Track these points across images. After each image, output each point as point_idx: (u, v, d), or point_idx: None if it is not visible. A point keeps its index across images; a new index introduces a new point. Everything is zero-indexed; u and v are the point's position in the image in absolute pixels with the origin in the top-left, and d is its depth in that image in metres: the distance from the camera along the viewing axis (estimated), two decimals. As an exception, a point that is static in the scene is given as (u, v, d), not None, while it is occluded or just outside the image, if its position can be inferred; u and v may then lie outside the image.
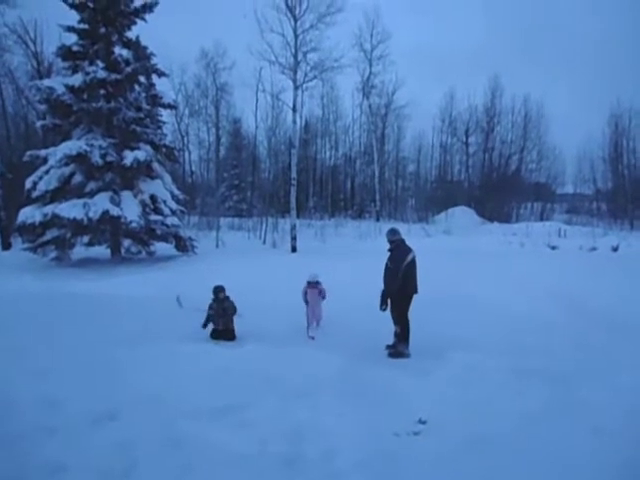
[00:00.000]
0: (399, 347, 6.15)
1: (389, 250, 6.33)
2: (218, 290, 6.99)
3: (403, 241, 6.37)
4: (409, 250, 6.25)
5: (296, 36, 19.61)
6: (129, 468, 3.18)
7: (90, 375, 4.73)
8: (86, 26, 15.32)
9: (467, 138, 40.78)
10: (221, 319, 6.86)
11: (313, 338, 6.78)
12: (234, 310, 6.96)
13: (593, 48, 71.00)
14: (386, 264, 6.23)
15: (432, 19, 71.89)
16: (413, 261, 6.21)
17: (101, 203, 13.93)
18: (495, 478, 3.08)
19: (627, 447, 3.40)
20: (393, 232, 6.42)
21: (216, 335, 6.80)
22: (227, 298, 7.00)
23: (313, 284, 7.28)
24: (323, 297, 7.41)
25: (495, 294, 9.25)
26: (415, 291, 6.23)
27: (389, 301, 6.22)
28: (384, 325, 6.32)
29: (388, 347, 6.28)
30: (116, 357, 5.28)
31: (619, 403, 4.09)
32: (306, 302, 7.32)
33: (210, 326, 6.92)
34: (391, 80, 36.18)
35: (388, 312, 6.25)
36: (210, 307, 6.95)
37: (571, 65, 68.94)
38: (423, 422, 3.97)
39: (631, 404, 4.09)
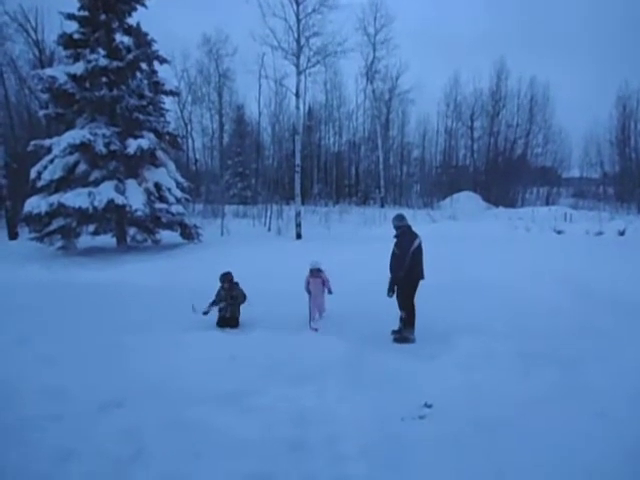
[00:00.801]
0: (405, 332, 6.15)
1: (395, 236, 6.29)
2: (225, 277, 6.98)
3: (409, 227, 6.32)
4: (415, 236, 6.21)
5: (298, 20, 19.41)
6: (137, 453, 3.21)
7: (96, 363, 4.77)
8: (86, 13, 15.23)
9: (472, 122, 40.38)
10: (229, 307, 6.87)
11: (316, 330, 6.55)
12: (244, 298, 6.96)
13: (601, 29, 69.90)
14: (393, 250, 6.19)
15: (436, 0, 70.50)
16: (419, 247, 6.18)
17: (106, 192, 13.96)
18: (500, 461, 3.09)
19: (631, 431, 3.39)
20: (400, 218, 6.37)
21: (222, 323, 6.82)
22: (236, 285, 6.99)
23: (315, 272, 7.04)
24: (329, 291, 7.13)
25: (501, 279, 9.22)
26: (421, 277, 6.21)
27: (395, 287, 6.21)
28: (389, 310, 6.31)
29: (394, 332, 6.28)
30: (122, 345, 5.32)
31: (624, 387, 4.08)
32: (308, 292, 7.07)
33: (215, 313, 6.93)
34: (395, 64, 35.92)
35: (394, 297, 6.25)
36: (218, 294, 6.96)
37: (578, 46, 68.03)
38: (429, 406, 3.98)
39: (636, 388, 4.08)
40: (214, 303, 6.94)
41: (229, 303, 6.86)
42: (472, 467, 3.06)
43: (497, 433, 3.43)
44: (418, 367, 4.82)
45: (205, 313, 6.91)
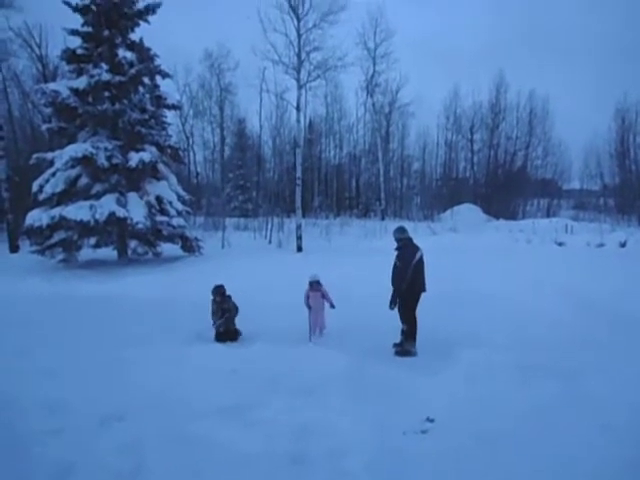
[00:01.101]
0: (406, 345, 6.13)
1: (397, 249, 6.29)
2: (217, 291, 6.95)
3: (411, 240, 6.32)
4: (417, 248, 6.21)
5: (299, 35, 19.65)
6: (138, 468, 3.19)
7: (96, 376, 4.76)
8: (90, 29, 15.45)
9: (472, 135, 40.66)
10: (224, 321, 6.85)
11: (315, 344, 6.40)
12: (236, 311, 6.94)
13: (599, 42, 70.63)
14: (394, 263, 6.18)
15: (436, 12, 71.21)
16: (421, 259, 6.18)
17: (107, 205, 14.00)
18: (501, 475, 3.07)
19: (632, 442, 3.38)
20: (401, 230, 6.38)
21: (219, 337, 6.78)
22: (228, 298, 6.98)
23: (315, 285, 6.94)
24: (331, 305, 6.96)
25: (502, 291, 9.21)
26: (423, 289, 6.20)
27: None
28: (391, 324, 6.30)
29: (395, 345, 6.26)
30: (123, 358, 5.31)
31: (625, 398, 4.07)
32: (308, 307, 6.95)
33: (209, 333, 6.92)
34: (395, 78, 36.23)
35: (395, 310, 6.23)
36: (212, 308, 6.96)
37: (577, 59, 68.66)
38: (431, 420, 3.96)
39: (636, 399, 4.07)
40: (214, 316, 6.94)
41: (225, 317, 6.84)
42: (475, 481, 3.04)
43: (498, 446, 3.41)
44: (420, 380, 4.80)
45: (217, 326, 6.87)
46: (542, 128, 39.57)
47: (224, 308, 6.85)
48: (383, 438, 3.62)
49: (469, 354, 5.36)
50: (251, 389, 4.49)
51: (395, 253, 6.27)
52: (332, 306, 7.00)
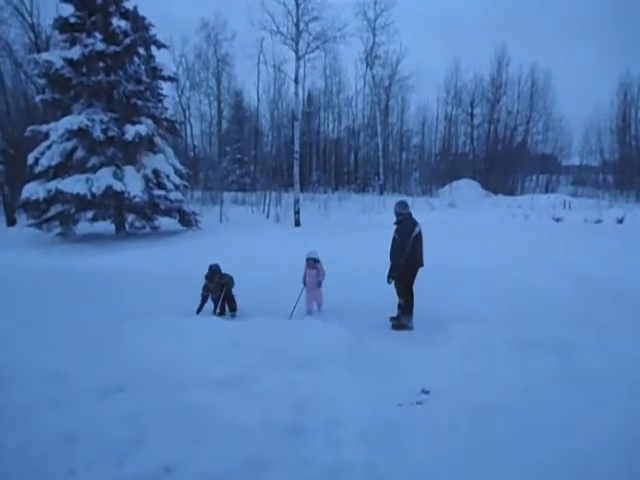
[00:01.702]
0: (403, 319, 6.18)
1: (396, 223, 6.28)
2: (214, 272, 6.89)
3: (410, 215, 6.31)
4: (416, 223, 6.20)
5: (297, 4, 19.19)
6: (138, 438, 3.23)
7: (96, 348, 4.77)
8: (82, -4, 15.01)
9: (472, 109, 40.15)
10: (222, 295, 6.88)
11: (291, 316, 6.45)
12: (233, 283, 6.98)
13: (602, 15, 69.09)
14: (393, 237, 6.19)
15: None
16: (420, 234, 6.18)
17: (104, 178, 13.91)
18: (496, 448, 3.12)
19: (629, 419, 3.42)
20: (403, 205, 6.34)
21: (221, 312, 6.86)
22: (222, 275, 6.97)
23: (311, 262, 6.91)
24: (319, 283, 6.95)
25: (499, 267, 9.24)
26: (421, 264, 6.22)
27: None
28: (388, 298, 6.33)
29: (392, 319, 6.31)
30: (121, 330, 5.32)
31: (622, 375, 4.11)
32: (304, 283, 6.97)
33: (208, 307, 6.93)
34: (395, 50, 35.68)
35: (392, 285, 6.25)
36: (205, 288, 6.90)
37: (580, 32, 67.29)
38: (426, 392, 4.01)
39: (634, 376, 4.11)
40: (204, 300, 6.89)
41: (225, 290, 6.86)
42: (468, 452, 3.09)
43: (494, 420, 3.45)
44: (416, 354, 4.85)
45: (198, 312, 6.82)
46: (543, 103, 39.12)
47: (222, 283, 6.87)
48: (379, 409, 3.67)
49: (466, 329, 5.39)
50: (250, 361, 4.52)
51: (394, 228, 6.26)
52: (319, 284, 6.98)
